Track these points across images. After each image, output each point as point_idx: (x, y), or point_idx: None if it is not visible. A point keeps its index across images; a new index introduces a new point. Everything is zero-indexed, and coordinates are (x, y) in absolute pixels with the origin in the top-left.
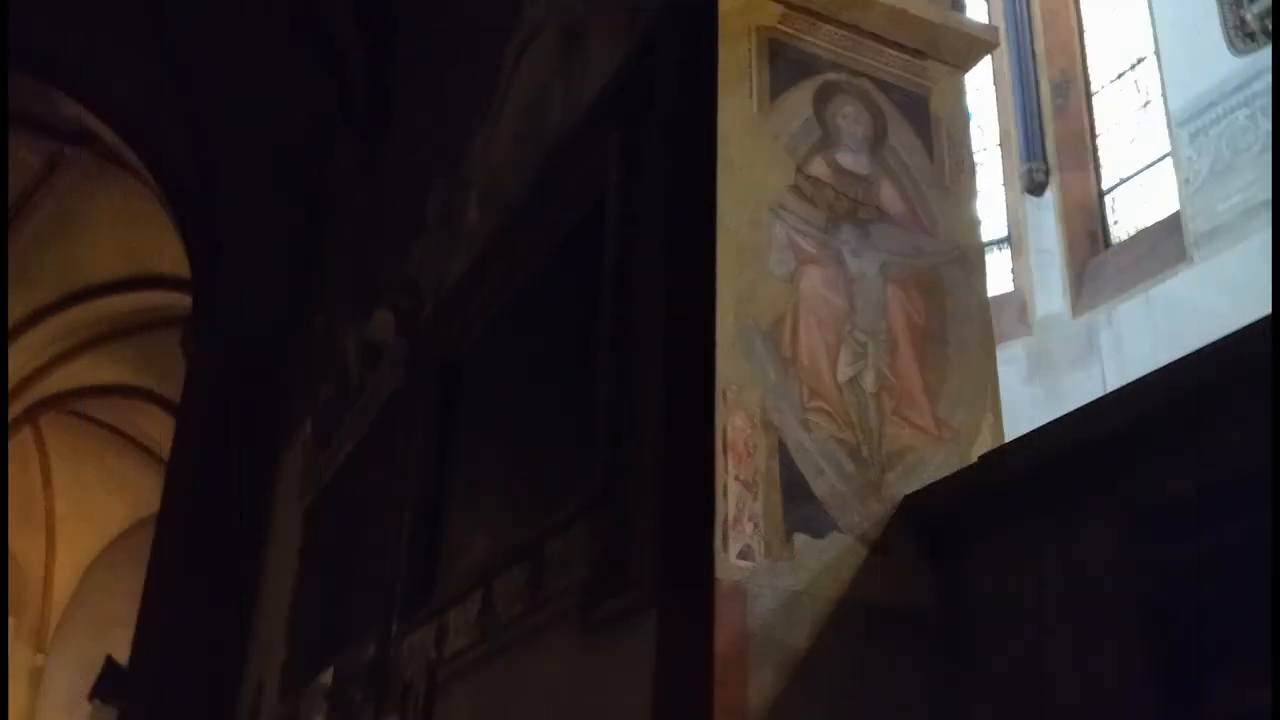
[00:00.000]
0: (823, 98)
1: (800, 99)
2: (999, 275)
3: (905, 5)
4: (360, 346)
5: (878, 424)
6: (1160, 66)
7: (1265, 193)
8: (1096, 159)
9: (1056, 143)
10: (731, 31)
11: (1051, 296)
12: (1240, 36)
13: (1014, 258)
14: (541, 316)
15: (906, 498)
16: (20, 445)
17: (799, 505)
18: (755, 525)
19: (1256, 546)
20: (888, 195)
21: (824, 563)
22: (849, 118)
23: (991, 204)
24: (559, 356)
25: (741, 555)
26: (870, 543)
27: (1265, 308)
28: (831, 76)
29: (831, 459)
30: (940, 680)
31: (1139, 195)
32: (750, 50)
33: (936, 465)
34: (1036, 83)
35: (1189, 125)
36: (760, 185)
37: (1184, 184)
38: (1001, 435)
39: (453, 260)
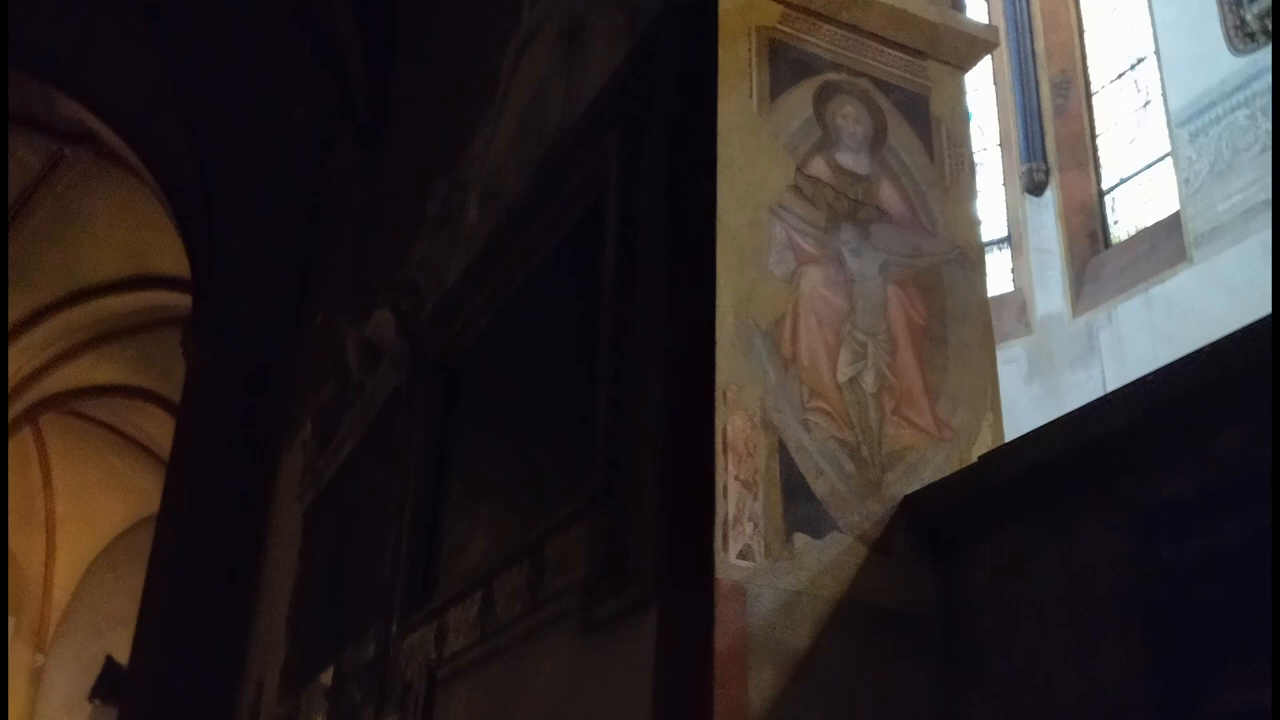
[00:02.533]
0: (823, 98)
1: (800, 99)
2: (999, 275)
3: (905, 5)
4: (360, 346)
5: (878, 424)
6: (1160, 66)
7: (1265, 193)
8: (1096, 159)
9: (1056, 143)
10: (731, 31)
11: (1051, 296)
12: (1240, 36)
13: (1014, 258)
14: (541, 316)
15: (906, 498)
16: (20, 445)
17: (799, 505)
18: (755, 525)
19: (1256, 546)
20: (888, 195)
21: (824, 563)
22: (849, 118)
23: (991, 204)
24: (559, 357)
25: (741, 555)
26: (870, 543)
27: (1265, 308)
28: (831, 76)
29: (831, 459)
30: (940, 680)
31: (1139, 195)
32: (750, 50)
33: (936, 465)
34: (1036, 83)
35: (1189, 125)
36: (760, 185)
37: (1184, 184)
38: (1001, 435)
39: (453, 260)
